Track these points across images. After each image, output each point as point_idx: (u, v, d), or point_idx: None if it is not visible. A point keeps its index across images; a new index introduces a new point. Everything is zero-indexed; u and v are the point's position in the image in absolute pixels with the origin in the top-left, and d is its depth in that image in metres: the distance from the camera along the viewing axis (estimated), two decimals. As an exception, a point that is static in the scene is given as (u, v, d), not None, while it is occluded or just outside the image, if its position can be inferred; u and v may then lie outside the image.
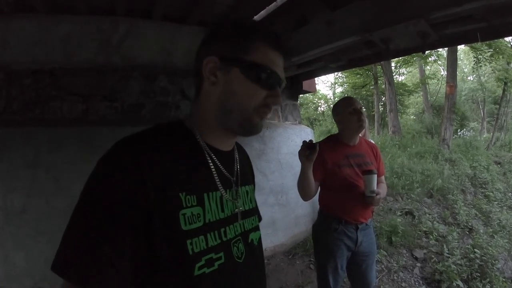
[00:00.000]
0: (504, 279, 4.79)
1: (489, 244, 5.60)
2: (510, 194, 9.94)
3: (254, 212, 1.28)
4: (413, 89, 23.44)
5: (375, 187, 2.67)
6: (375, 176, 2.68)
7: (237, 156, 1.25)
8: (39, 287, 3.72)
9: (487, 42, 12.77)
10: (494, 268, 4.96)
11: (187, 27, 4.33)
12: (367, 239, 2.93)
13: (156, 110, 4.28)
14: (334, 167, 2.81)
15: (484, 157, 11.91)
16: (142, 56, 4.20)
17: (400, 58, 18.88)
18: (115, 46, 4.07)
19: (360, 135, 3.06)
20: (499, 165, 12.45)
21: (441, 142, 12.58)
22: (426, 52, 16.60)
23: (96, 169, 0.94)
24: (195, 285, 0.96)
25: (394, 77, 21.32)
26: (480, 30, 3.03)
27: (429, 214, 6.76)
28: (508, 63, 16.76)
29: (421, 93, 24.54)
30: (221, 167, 1.12)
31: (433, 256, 5.25)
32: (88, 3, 3.69)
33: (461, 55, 28.52)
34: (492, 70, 17.53)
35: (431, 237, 5.80)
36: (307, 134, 5.91)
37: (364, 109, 2.96)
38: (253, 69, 1.04)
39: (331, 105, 31.21)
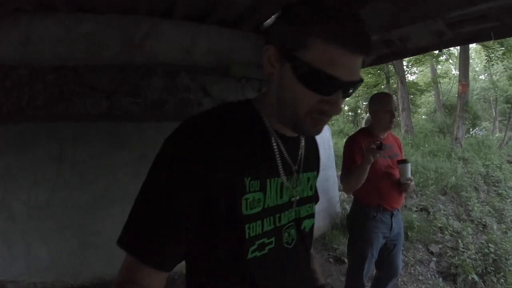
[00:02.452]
0: (517, 274, 4.87)
1: (503, 240, 5.68)
2: (522, 192, 9.97)
3: (311, 199, 1.22)
4: (424, 88, 23.36)
5: (409, 175, 2.96)
6: (409, 165, 2.97)
7: (302, 142, 1.17)
8: (61, 281, 3.80)
9: (499, 41, 12.80)
10: (508, 263, 5.04)
11: (206, 26, 4.38)
12: (397, 224, 3.14)
13: (179, 106, 4.33)
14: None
15: (496, 156, 11.91)
16: (164, 54, 4.24)
17: (411, 57, 18.94)
18: (137, 45, 4.11)
19: None
20: (511, 164, 12.45)
21: (454, 141, 12.60)
22: (437, 51, 16.66)
23: (162, 150, 0.94)
24: (246, 267, 0.98)
25: (406, 76, 21.26)
26: (494, 29, 3.13)
27: (444, 211, 6.82)
28: (519, 61, 16.74)
29: (433, 92, 24.46)
30: (285, 153, 1.06)
31: (448, 251, 5.34)
32: (109, 3, 3.74)
33: (473, 54, 28.31)
34: (504, 68, 17.50)
35: (446, 232, 5.88)
36: (324, 131, 5.99)
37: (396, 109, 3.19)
38: (304, 70, 0.87)
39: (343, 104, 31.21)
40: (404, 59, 18.55)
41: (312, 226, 1.24)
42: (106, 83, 3.97)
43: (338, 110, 0.93)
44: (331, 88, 0.88)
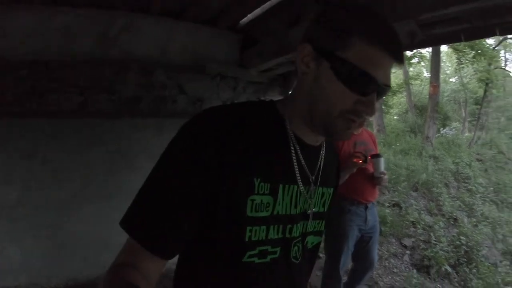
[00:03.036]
0: (489, 265, 5.13)
1: (474, 232, 5.94)
2: (491, 188, 10.34)
3: (322, 216, 1.18)
4: (397, 89, 23.73)
5: (382, 169, 3.10)
6: (382, 159, 3.12)
7: (323, 153, 1.14)
8: (35, 284, 3.70)
9: (470, 44, 13.21)
10: (480, 254, 5.32)
11: (183, 23, 4.32)
12: (372, 217, 3.29)
13: (154, 103, 4.27)
14: (346, 154, 3.14)
15: (466, 154, 12.29)
16: (139, 50, 4.14)
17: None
18: (113, 40, 3.99)
19: None
20: (480, 162, 12.85)
21: (425, 140, 13.01)
22: (410, 54, 16.97)
23: (175, 138, 0.94)
24: (242, 270, 0.95)
25: (378, 77, 21.58)
26: (464, 31, 3.25)
27: (415, 206, 7.07)
28: (490, 64, 17.27)
29: (405, 93, 24.93)
30: (303, 161, 1.03)
31: (421, 244, 5.57)
32: (86, -4, 3.60)
33: (444, 57, 28.95)
34: (474, 71, 17.96)
35: (418, 226, 6.12)
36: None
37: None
38: (345, 68, 0.89)
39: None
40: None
41: (317, 244, 1.20)
42: (80, 78, 3.85)
43: (372, 112, 0.93)
44: (370, 89, 0.90)
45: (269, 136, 0.98)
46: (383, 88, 0.92)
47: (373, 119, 16.50)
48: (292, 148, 1.00)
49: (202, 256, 0.98)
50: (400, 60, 0.91)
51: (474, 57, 14.71)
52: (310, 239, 1.14)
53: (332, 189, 1.21)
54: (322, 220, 1.18)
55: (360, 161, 2.95)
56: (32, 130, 3.70)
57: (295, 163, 1.01)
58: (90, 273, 3.74)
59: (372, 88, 0.90)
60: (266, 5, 3.79)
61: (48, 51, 3.67)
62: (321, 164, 1.12)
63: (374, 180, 3.14)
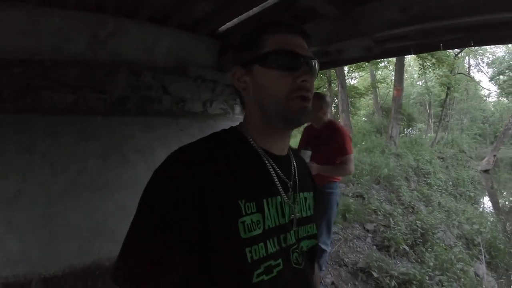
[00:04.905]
0: (443, 245, 5.82)
1: (429, 218, 6.68)
2: (450, 183, 11.21)
3: (311, 220, 1.21)
4: (364, 92, 24.13)
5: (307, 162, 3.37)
6: (308, 153, 3.44)
7: (294, 162, 1.20)
8: (33, 272, 3.73)
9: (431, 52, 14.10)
10: (435, 236, 6.01)
11: (168, 29, 4.55)
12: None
13: (141, 103, 4.47)
14: (305, 143, 3.75)
15: (428, 153, 13.16)
16: (127, 53, 4.33)
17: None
18: (102, 42, 4.13)
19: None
20: (442, 160, 13.72)
21: (389, 139, 13.78)
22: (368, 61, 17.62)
23: (152, 180, 0.95)
24: None
25: (347, 80, 22.10)
26: (413, 46, 3.87)
27: (377, 197, 7.73)
28: (451, 71, 18.32)
29: (372, 96, 25.69)
30: (279, 171, 1.09)
31: (381, 228, 6.21)
32: (78, -1, 3.81)
33: (411, 62, 29.87)
34: (436, 76, 18.85)
35: (379, 213, 6.76)
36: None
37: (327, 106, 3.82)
38: (269, 57, 1.02)
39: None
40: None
41: (313, 247, 1.21)
42: (73, 78, 3.96)
43: (311, 83, 1.05)
44: (294, 62, 1.03)
45: (241, 157, 1.03)
46: (308, 59, 1.06)
47: (340, 119, 17.17)
48: (266, 161, 1.07)
49: None
50: (303, 35, 1.10)
51: (434, 64, 15.64)
52: (305, 243, 1.16)
53: (312, 193, 1.28)
54: (313, 223, 1.22)
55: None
56: (31, 125, 3.76)
57: (274, 175, 1.07)
58: (85, 260, 3.93)
59: (297, 60, 1.04)
60: (243, 16, 4.13)
61: (41, 51, 3.78)
62: (295, 171, 1.18)
63: None
